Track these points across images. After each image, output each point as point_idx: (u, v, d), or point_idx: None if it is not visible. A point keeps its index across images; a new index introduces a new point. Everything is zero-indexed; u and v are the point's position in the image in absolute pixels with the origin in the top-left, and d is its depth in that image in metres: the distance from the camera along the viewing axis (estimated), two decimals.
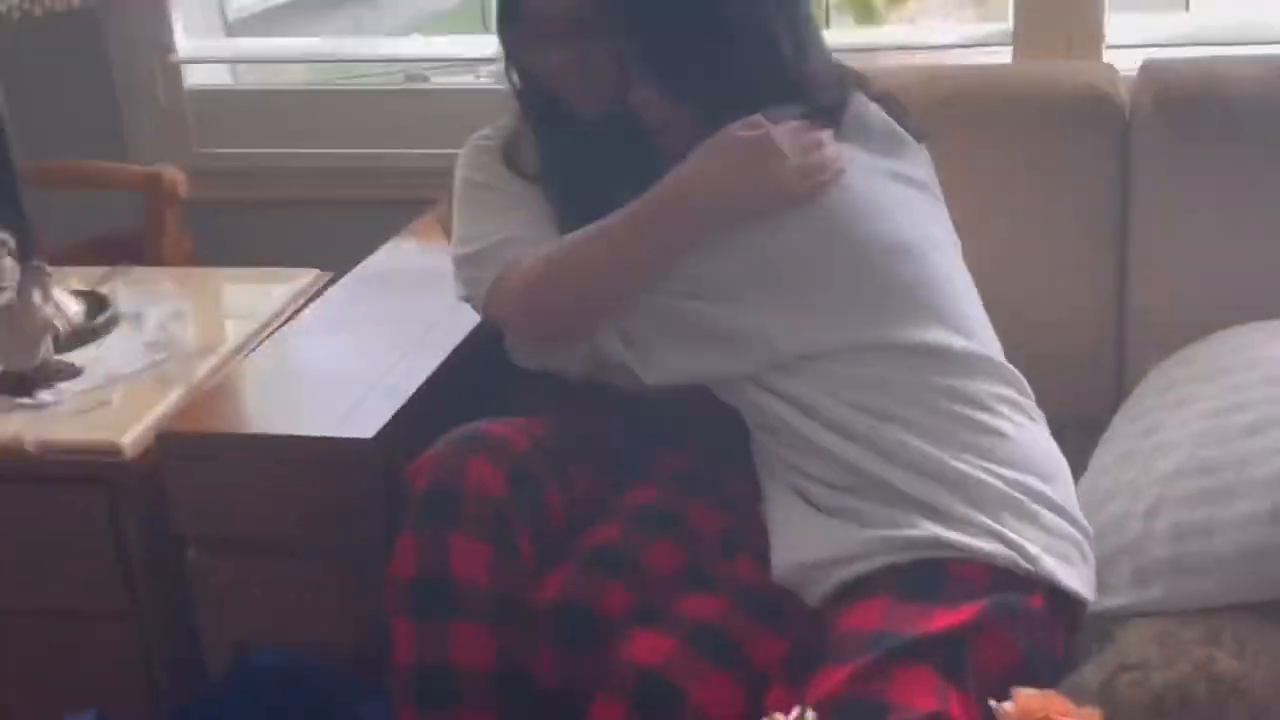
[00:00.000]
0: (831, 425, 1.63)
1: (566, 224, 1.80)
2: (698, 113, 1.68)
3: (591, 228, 1.72)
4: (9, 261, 2.09)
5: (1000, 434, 1.63)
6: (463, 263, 1.82)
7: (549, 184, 1.86)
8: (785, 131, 1.63)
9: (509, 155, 1.89)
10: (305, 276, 2.45)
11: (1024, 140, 2.14)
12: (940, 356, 1.65)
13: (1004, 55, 2.51)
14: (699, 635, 1.58)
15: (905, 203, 1.72)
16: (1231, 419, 1.75)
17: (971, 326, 1.71)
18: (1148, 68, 2.14)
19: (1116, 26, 2.41)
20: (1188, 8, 2.62)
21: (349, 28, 4.37)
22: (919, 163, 1.78)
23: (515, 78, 1.88)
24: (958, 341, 1.67)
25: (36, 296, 2.09)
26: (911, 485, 1.58)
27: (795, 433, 1.65)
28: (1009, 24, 2.49)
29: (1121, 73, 2.19)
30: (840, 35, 2.87)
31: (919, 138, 1.80)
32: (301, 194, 2.89)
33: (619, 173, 1.77)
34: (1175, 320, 2.04)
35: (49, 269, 2.12)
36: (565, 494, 1.76)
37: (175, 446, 1.89)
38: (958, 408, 1.63)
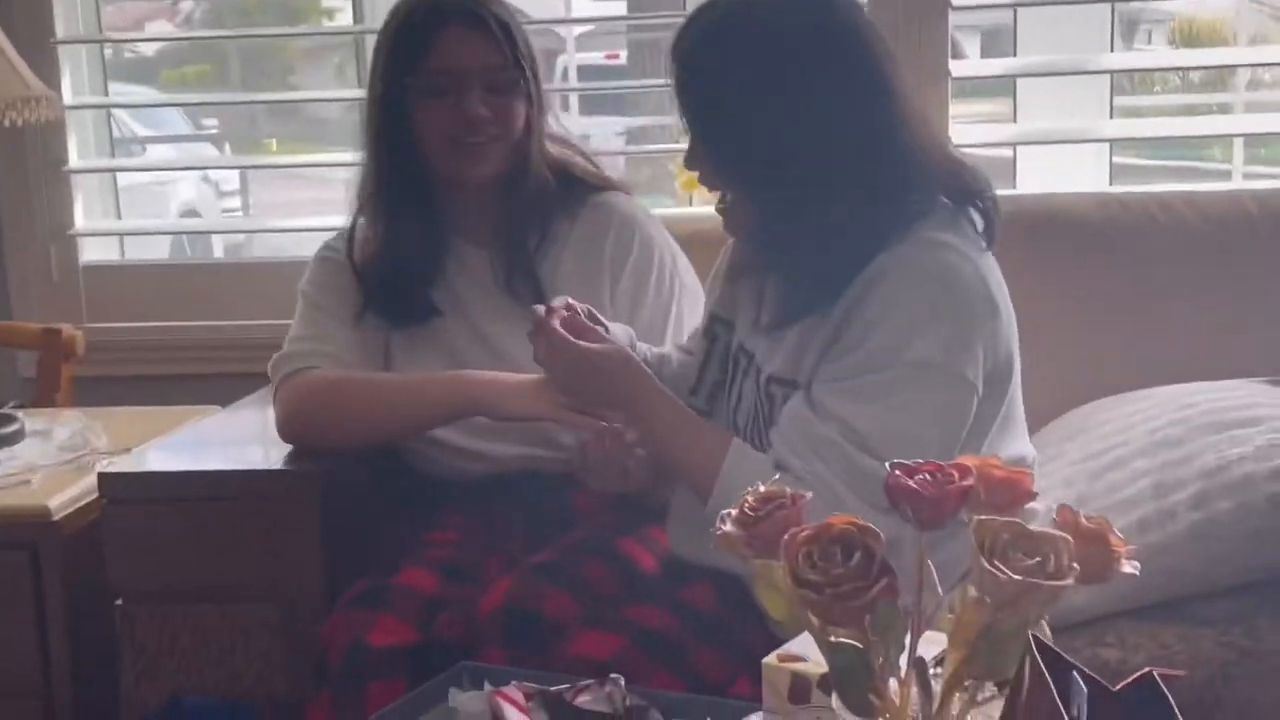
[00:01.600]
0: None
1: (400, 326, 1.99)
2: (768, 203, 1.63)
3: (380, 379, 1.93)
4: None
5: None
6: (273, 363, 1.97)
7: (383, 274, 1.97)
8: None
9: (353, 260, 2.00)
10: (211, 410, 2.46)
11: None
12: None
13: None
14: (646, 638, 1.63)
15: None
16: (1093, 463, 1.98)
17: None
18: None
19: None
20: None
21: None
22: None
23: (383, 142, 1.96)
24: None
25: None
26: None
27: None
28: None
29: None
30: None
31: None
32: (185, 369, 2.85)
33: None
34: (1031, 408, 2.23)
35: None
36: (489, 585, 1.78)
37: (114, 487, 1.92)
38: None
